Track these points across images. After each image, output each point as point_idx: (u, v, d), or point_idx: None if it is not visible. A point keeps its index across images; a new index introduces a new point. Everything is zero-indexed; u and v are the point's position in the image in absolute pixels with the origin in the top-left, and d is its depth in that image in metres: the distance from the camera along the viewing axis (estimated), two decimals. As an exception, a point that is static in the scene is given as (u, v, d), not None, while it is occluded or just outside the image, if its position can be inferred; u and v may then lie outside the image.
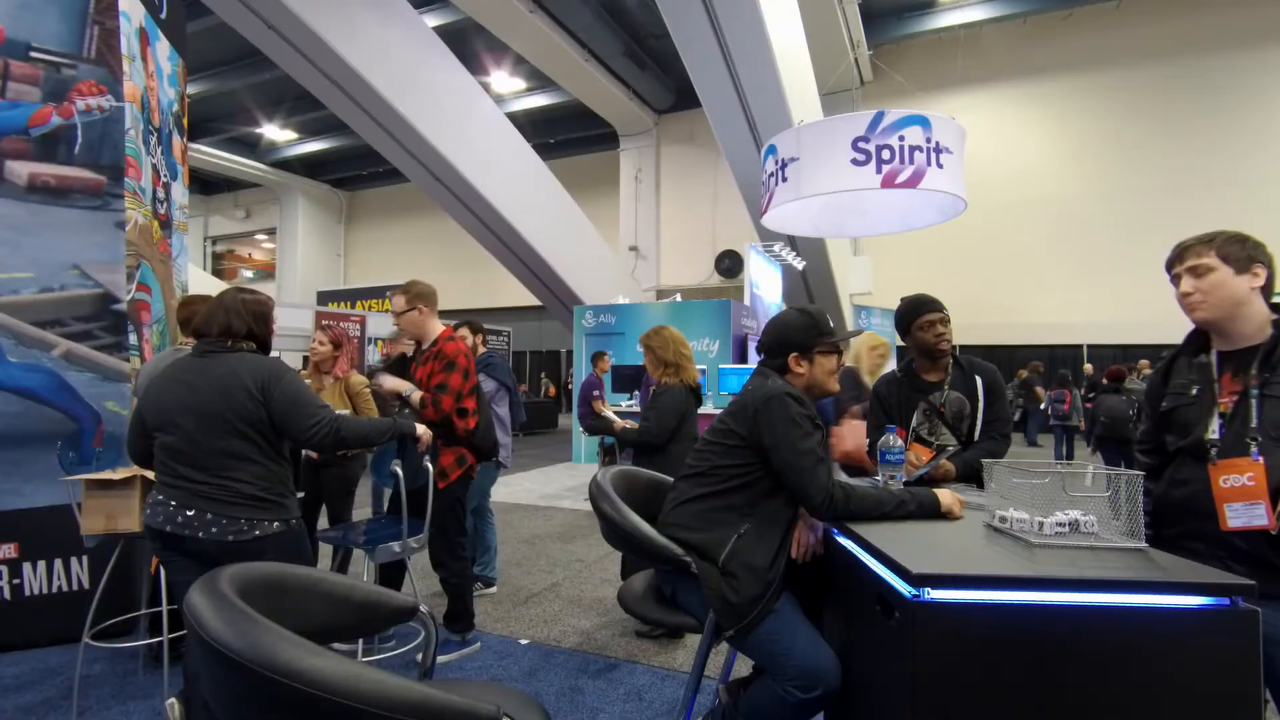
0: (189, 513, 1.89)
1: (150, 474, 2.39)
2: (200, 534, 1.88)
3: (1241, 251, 1.50)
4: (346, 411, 3.47)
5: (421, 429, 2.56)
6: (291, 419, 1.97)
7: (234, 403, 1.92)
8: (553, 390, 18.26)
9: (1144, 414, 1.75)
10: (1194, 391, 1.58)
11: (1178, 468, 1.58)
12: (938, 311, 2.36)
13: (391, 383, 2.93)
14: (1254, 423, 1.46)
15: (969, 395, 2.37)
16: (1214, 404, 1.53)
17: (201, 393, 1.93)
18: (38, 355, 3.04)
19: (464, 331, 4.01)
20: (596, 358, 7.34)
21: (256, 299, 2.13)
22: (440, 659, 2.92)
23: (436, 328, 3.04)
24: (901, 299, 2.47)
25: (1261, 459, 1.42)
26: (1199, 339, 1.62)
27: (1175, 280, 1.58)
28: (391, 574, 3.06)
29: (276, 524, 1.98)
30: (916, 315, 2.38)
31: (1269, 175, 13.04)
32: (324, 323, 3.98)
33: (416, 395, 2.86)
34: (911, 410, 2.40)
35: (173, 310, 3.31)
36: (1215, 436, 1.50)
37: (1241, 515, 1.43)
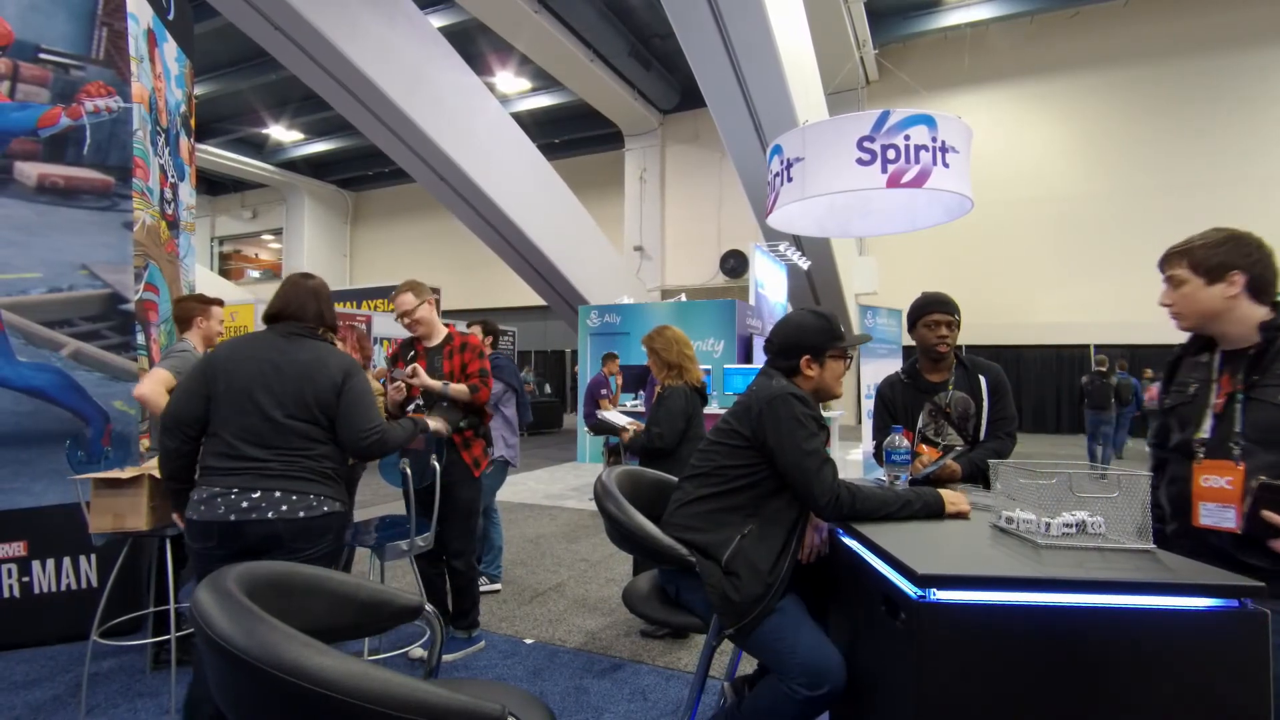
0: (254, 495, 1.84)
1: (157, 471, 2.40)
2: (270, 513, 1.83)
3: (1214, 259, 1.49)
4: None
5: (436, 424, 2.59)
6: (354, 416, 1.96)
7: (319, 389, 1.92)
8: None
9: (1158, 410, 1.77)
10: (1192, 390, 1.59)
11: (1174, 465, 1.59)
12: (947, 314, 2.36)
13: (426, 379, 2.94)
14: (1238, 426, 1.46)
15: (973, 395, 2.37)
16: (1209, 403, 1.54)
17: (285, 373, 1.91)
18: (47, 355, 3.06)
19: (476, 330, 4.02)
20: (607, 359, 7.33)
21: (326, 285, 2.14)
22: (445, 658, 2.93)
23: (440, 323, 3.13)
24: (922, 293, 2.46)
25: (1242, 464, 1.43)
26: (1201, 338, 1.62)
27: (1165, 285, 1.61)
28: (437, 583, 3.10)
29: (339, 503, 1.97)
30: (925, 312, 2.38)
31: (1277, 175, 12.95)
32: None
33: (454, 386, 2.90)
34: (917, 411, 2.40)
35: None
36: (1207, 436, 1.51)
37: (1213, 515, 1.45)
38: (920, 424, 2.37)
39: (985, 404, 2.36)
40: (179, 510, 2.01)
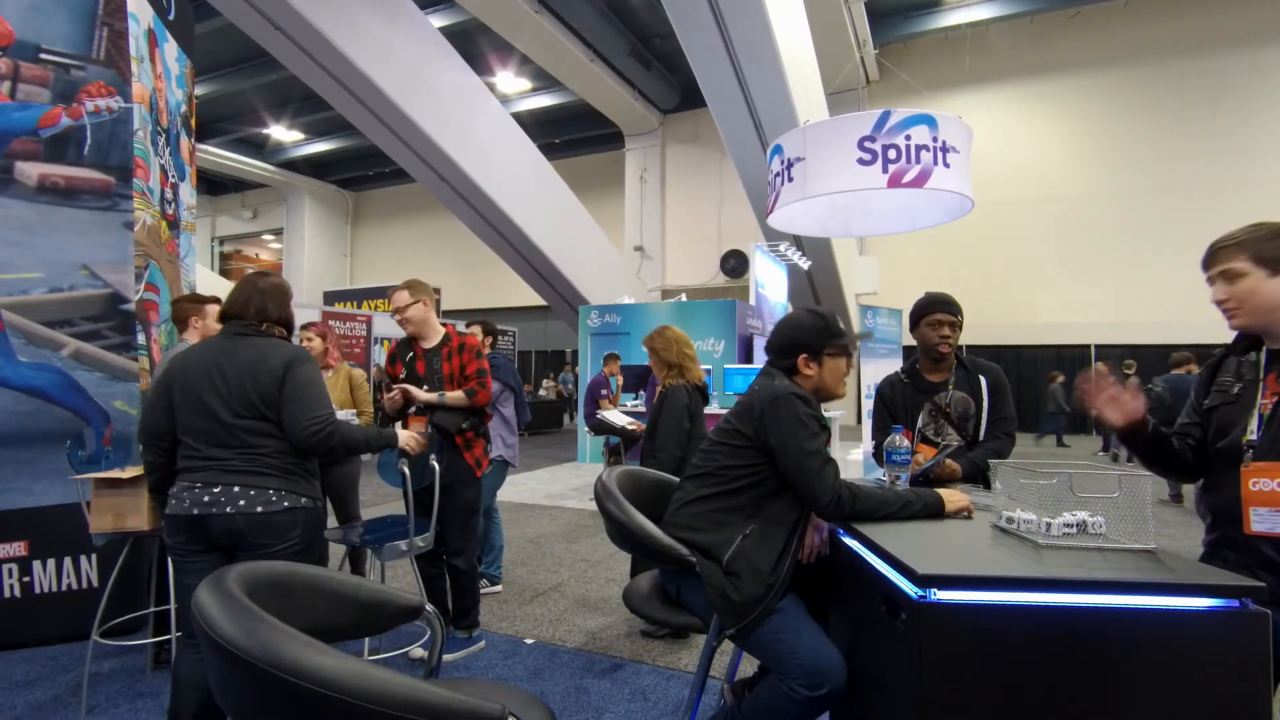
0: (215, 490, 1.87)
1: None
2: (229, 508, 1.86)
3: (1275, 250, 1.41)
4: (350, 412, 3.48)
5: (406, 437, 2.44)
6: (295, 407, 1.93)
7: (260, 385, 1.93)
8: (558, 390, 17.63)
9: (1188, 407, 1.66)
10: (1236, 390, 1.49)
11: (1214, 472, 1.51)
12: (950, 314, 2.36)
13: (419, 395, 2.91)
14: None
15: (973, 395, 2.37)
16: (1254, 404, 1.44)
17: (229, 374, 1.93)
18: (47, 355, 3.07)
19: (475, 329, 4.02)
20: (609, 359, 7.32)
21: (280, 283, 2.15)
22: (446, 658, 2.93)
23: (438, 323, 3.10)
24: (925, 293, 2.46)
25: None
26: (1250, 337, 1.53)
27: (1211, 282, 1.50)
28: (437, 583, 3.10)
29: (304, 499, 1.97)
30: (929, 312, 2.39)
31: (1277, 175, 12.94)
32: (305, 323, 4.02)
33: (450, 395, 2.90)
34: (916, 411, 2.40)
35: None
36: (1254, 438, 1.42)
37: (1266, 520, 1.36)
38: (920, 424, 2.37)
39: (985, 404, 2.36)
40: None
